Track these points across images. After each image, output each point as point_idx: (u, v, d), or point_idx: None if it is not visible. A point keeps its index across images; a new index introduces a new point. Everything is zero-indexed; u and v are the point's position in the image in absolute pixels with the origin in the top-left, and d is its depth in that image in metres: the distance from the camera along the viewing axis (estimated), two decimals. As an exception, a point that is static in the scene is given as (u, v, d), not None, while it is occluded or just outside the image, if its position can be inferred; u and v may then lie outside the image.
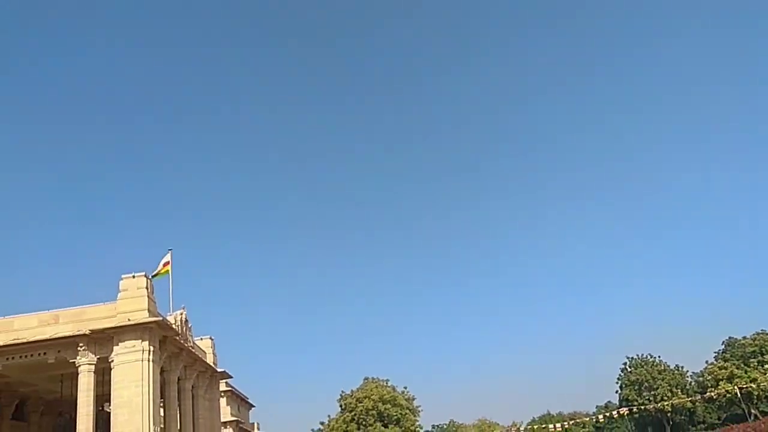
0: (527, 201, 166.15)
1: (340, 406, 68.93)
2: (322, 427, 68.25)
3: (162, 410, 29.27)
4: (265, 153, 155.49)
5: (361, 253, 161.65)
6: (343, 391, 70.32)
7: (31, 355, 27.61)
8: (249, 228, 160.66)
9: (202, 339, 38.59)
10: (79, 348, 27.11)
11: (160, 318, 28.31)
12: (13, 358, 27.55)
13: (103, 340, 27.23)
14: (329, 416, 69.15)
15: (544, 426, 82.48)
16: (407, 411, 67.01)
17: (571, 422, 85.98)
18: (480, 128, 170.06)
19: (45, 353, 27.50)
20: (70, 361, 27.24)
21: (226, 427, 50.86)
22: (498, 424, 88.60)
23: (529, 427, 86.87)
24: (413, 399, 70.39)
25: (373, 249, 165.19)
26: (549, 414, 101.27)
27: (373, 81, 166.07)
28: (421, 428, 69.29)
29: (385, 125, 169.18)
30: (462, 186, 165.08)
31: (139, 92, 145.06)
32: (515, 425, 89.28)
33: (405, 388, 71.19)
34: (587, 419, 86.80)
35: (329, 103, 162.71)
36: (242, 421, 60.69)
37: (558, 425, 78.55)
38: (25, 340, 27.13)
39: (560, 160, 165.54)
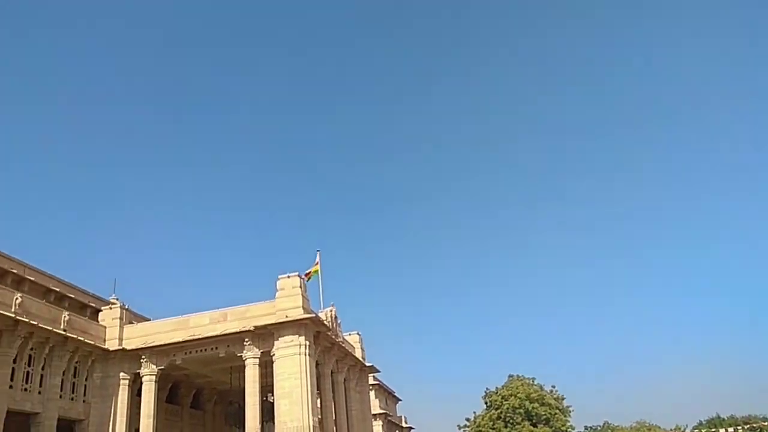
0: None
1: (486, 403, 68.07)
2: (468, 424, 67.89)
3: (318, 401, 30.90)
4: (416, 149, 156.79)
5: (504, 245, 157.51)
6: (487, 389, 69.39)
7: (205, 350, 30.71)
8: (392, 225, 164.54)
9: (350, 334, 40.25)
10: (245, 343, 29.61)
11: (314, 314, 29.97)
12: (190, 352, 30.85)
13: (265, 335, 29.48)
14: (474, 413, 68.62)
15: (713, 430, 74.54)
16: (557, 411, 64.38)
17: (746, 426, 76.76)
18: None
19: (216, 348, 30.42)
20: (238, 354, 29.85)
21: (375, 420, 52.65)
22: (659, 428, 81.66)
23: (696, 431, 78.86)
24: (562, 398, 67.49)
25: (519, 244, 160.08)
26: (719, 417, 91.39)
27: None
28: (573, 429, 66.08)
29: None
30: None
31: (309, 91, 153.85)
32: (679, 429, 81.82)
33: (553, 386, 68.52)
34: (765, 424, 76.98)
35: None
36: (390, 414, 62.42)
37: (731, 429, 70.56)
38: (199, 336, 30.26)
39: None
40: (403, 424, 71.42)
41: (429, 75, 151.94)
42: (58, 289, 34.36)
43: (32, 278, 32.56)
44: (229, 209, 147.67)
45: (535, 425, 62.65)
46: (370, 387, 48.64)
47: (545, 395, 65.64)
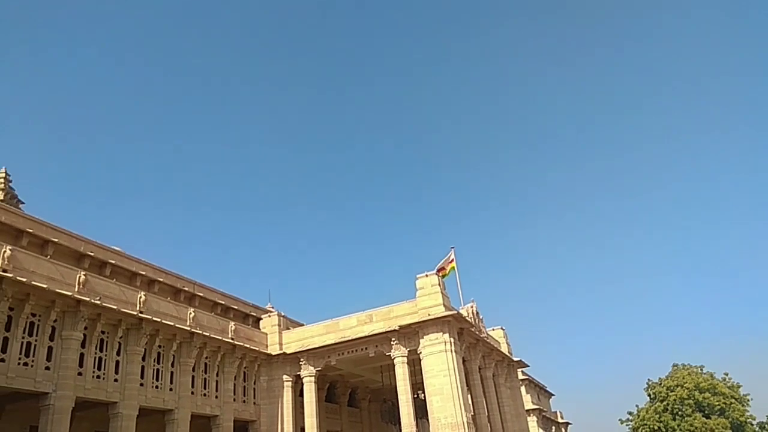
0: None
1: (649, 395, 63.53)
2: (630, 417, 63.70)
3: (469, 398, 30.86)
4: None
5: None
6: (649, 380, 64.75)
7: (355, 351, 32.06)
8: (519, 218, 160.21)
9: (493, 330, 39.73)
10: (392, 342, 30.47)
11: (455, 311, 30.02)
12: (342, 353, 32.41)
13: (409, 334, 30.11)
14: (637, 406, 64.28)
15: None
16: (732, 400, 58.21)
17: None
18: None
19: (366, 348, 31.64)
20: (386, 354, 30.78)
21: (529, 416, 51.34)
22: None
23: None
24: (738, 386, 60.83)
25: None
26: None
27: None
28: (754, 419, 59.13)
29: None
30: None
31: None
32: None
33: (726, 374, 62.08)
34: None
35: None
36: (544, 409, 60.48)
37: None
38: (349, 338, 31.68)
39: None
40: (560, 419, 68.85)
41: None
42: (223, 302, 38.03)
43: (201, 294, 36.36)
44: (359, 210, 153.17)
45: (708, 417, 57.18)
46: (520, 382, 47.55)
47: (717, 384, 59.77)
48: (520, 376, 49.93)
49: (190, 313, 28.85)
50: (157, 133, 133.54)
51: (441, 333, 29.08)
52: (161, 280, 33.80)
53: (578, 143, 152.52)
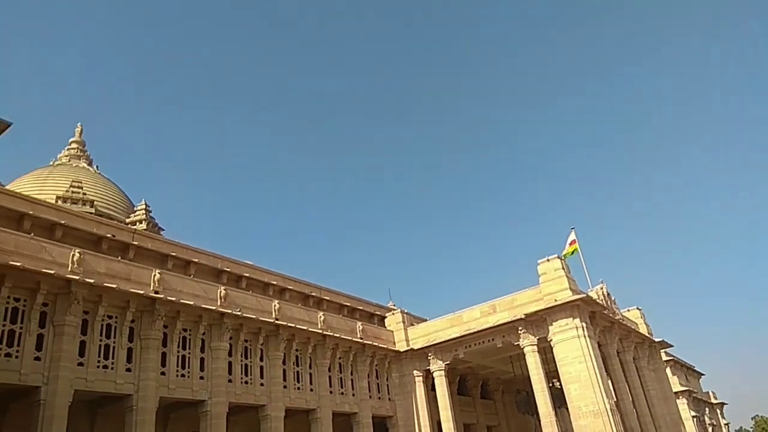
0: None
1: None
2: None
3: (610, 383, 29.36)
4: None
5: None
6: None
7: (482, 342, 31.73)
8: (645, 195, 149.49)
9: (629, 311, 37.45)
10: (519, 331, 29.78)
11: (584, 294, 28.67)
12: (469, 346, 32.23)
13: (537, 321, 29.24)
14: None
15: None
16: None
17: None
18: None
19: (492, 339, 31.20)
20: (515, 343, 30.13)
21: (678, 398, 47.75)
22: None
23: None
24: None
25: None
26: None
27: None
28: None
29: None
30: None
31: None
32: None
33: None
34: None
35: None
36: (694, 390, 55.99)
37: None
38: (474, 330, 31.42)
39: None
40: (713, 400, 63.42)
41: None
42: (348, 304, 39.38)
43: (328, 298, 37.91)
44: (470, 198, 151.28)
45: None
46: (664, 364, 44.40)
47: None
48: (664, 358, 46.66)
49: (320, 317, 30.18)
50: (267, 146, 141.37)
51: (571, 318, 27.94)
52: (291, 287, 35.70)
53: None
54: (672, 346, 40.20)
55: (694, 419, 51.05)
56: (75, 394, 19.20)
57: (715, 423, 60.25)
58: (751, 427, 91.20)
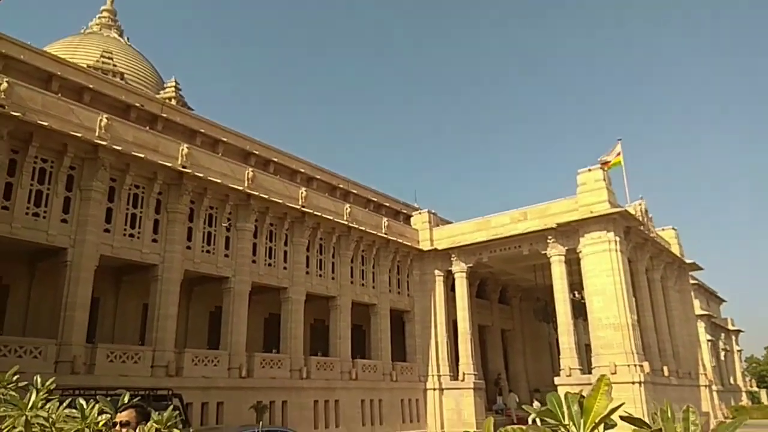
0: None
1: None
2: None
3: (634, 300, 28.93)
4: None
5: None
6: None
7: (508, 248, 31.24)
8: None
9: (663, 230, 36.29)
10: (548, 240, 29.08)
11: (622, 208, 27.53)
12: (494, 251, 31.81)
13: (568, 232, 28.42)
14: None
15: None
16: None
17: None
18: None
19: (519, 246, 30.63)
20: (542, 252, 29.55)
21: (698, 321, 47.59)
22: None
23: None
24: None
25: None
26: None
27: None
28: None
29: None
30: None
31: None
32: None
33: None
34: None
35: None
36: (714, 316, 55.87)
37: None
38: (502, 236, 30.83)
39: None
40: (730, 327, 63.48)
41: None
42: (375, 200, 38.94)
43: (355, 191, 37.45)
44: (509, 99, 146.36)
45: None
46: (690, 286, 43.77)
47: None
48: (690, 281, 45.99)
49: (347, 209, 29.80)
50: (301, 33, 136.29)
51: (605, 231, 27.00)
52: (318, 177, 35.18)
53: None
54: (702, 269, 39.37)
55: (709, 343, 51.21)
56: (101, 259, 19.38)
57: (728, 348, 60.62)
58: (762, 356, 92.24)
